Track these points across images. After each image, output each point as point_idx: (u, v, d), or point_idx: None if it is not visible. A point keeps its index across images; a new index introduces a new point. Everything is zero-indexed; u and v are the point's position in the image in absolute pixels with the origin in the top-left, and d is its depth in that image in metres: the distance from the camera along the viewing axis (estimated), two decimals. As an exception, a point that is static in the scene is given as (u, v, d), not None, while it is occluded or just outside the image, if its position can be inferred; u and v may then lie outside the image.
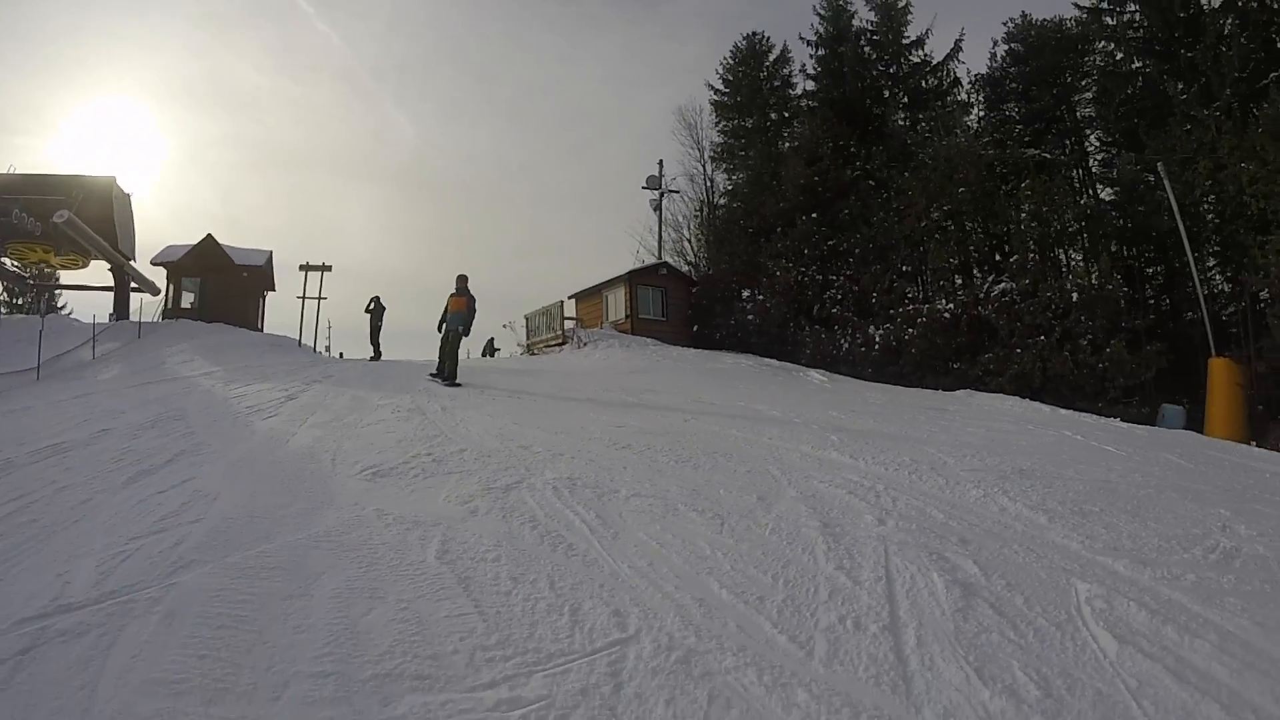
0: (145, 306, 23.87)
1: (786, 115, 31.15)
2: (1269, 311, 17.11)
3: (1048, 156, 24.73)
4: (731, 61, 32.24)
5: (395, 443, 6.62)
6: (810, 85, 30.49)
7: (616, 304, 25.52)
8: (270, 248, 26.72)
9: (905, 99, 28.40)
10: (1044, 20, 26.92)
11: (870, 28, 29.34)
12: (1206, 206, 19.42)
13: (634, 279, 25.36)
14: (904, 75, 28.82)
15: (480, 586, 3.32)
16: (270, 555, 3.63)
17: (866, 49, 29.19)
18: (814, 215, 23.93)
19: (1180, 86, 21.80)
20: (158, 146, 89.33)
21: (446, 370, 12.56)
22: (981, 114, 27.88)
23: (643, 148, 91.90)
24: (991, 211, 21.65)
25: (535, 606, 3.13)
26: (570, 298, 27.63)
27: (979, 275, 21.53)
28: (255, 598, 3.11)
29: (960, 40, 28.34)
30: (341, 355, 23.06)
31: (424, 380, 12.36)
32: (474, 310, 13.27)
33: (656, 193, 31.21)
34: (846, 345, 21.05)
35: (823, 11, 29.73)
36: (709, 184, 32.62)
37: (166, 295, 24.75)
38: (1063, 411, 13.37)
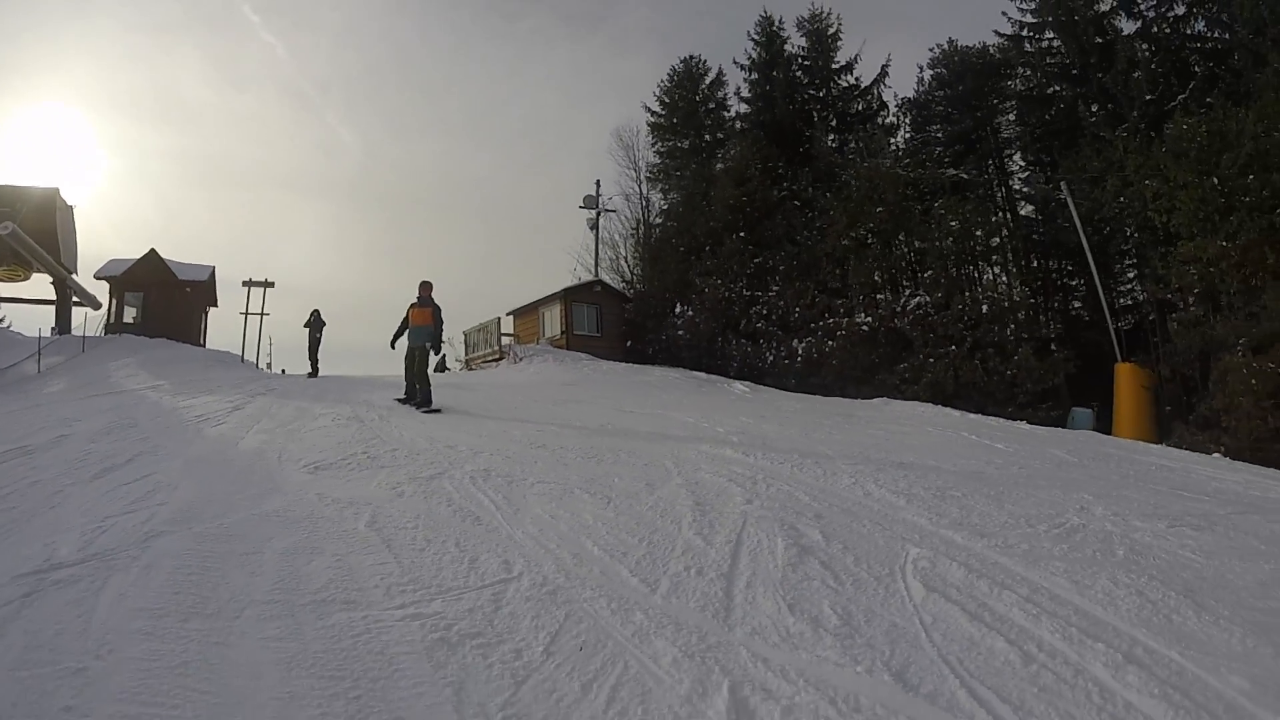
0: (88, 321, 23.95)
1: (720, 137, 32.24)
2: (1170, 319, 18.55)
3: (965, 176, 26.18)
4: (669, 84, 33.30)
5: (335, 444, 7.35)
6: (744, 108, 31.67)
7: (552, 320, 26.23)
8: (212, 263, 26.97)
9: (834, 122, 29.70)
10: (968, 46, 28.38)
11: (801, 53, 30.66)
12: (1126, 220, 20.72)
13: (569, 296, 26.13)
14: (833, 99, 30.20)
15: (400, 546, 4.15)
16: (228, 526, 4.41)
17: (798, 73, 30.50)
18: (742, 234, 24.97)
19: (1095, 109, 23.35)
20: (96, 156, 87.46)
21: (419, 394, 11.13)
22: (909, 135, 29.33)
23: (586, 164, 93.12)
24: (909, 229, 22.89)
25: (442, 558, 3.97)
26: (508, 314, 28.33)
27: (896, 290, 22.73)
28: (217, 555, 3.90)
29: (886, 65, 29.90)
30: (284, 371, 23.41)
31: (363, 393, 12.52)
32: (441, 322, 11.82)
33: (594, 212, 32.15)
34: (771, 358, 22.11)
35: (757, 37, 31.00)
36: (645, 203, 33.59)
37: (110, 310, 24.80)
38: (971, 416, 13.80)
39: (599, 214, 32.34)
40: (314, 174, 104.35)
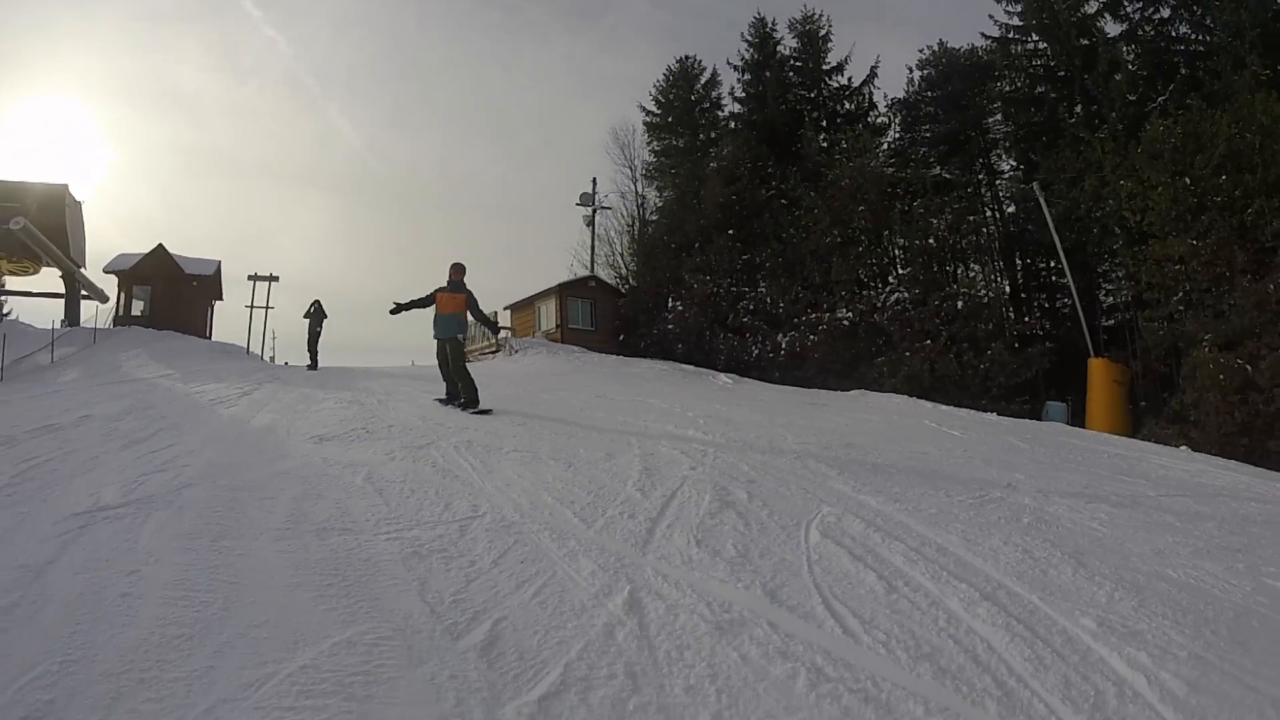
0: (98, 314, 24.76)
1: (714, 136, 33.05)
2: (1140, 315, 19.19)
3: (948, 176, 26.94)
4: (664, 84, 34.20)
5: (337, 422, 8.14)
6: (737, 108, 32.52)
7: (548, 314, 27.15)
8: (218, 257, 27.78)
9: (824, 122, 30.48)
10: (956, 48, 29.15)
11: (794, 54, 31.45)
12: (1106, 220, 21.28)
13: (564, 291, 27.09)
14: (824, 99, 30.99)
15: (389, 494, 4.96)
16: (247, 481, 5.23)
17: (790, 74, 31.29)
18: (730, 232, 25.81)
19: (1078, 110, 24.01)
20: (101, 151, 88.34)
21: (463, 393, 9.64)
22: (898, 135, 30.08)
23: (583, 158, 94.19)
24: (892, 227, 23.65)
25: (422, 503, 4.79)
26: (506, 308, 29.23)
27: (877, 286, 23.54)
28: (239, 500, 4.71)
29: (876, 66, 30.77)
30: (287, 363, 24.25)
31: (362, 382, 13.16)
32: (478, 310, 10.31)
33: (590, 209, 33.02)
34: (757, 351, 22.99)
35: (750, 38, 31.85)
36: (640, 200, 34.52)
37: (118, 302, 25.65)
38: (943, 407, 14.51)
39: (595, 211, 33.20)
40: (313, 167, 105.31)
